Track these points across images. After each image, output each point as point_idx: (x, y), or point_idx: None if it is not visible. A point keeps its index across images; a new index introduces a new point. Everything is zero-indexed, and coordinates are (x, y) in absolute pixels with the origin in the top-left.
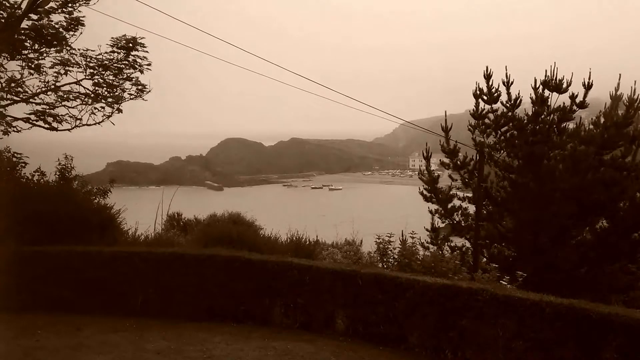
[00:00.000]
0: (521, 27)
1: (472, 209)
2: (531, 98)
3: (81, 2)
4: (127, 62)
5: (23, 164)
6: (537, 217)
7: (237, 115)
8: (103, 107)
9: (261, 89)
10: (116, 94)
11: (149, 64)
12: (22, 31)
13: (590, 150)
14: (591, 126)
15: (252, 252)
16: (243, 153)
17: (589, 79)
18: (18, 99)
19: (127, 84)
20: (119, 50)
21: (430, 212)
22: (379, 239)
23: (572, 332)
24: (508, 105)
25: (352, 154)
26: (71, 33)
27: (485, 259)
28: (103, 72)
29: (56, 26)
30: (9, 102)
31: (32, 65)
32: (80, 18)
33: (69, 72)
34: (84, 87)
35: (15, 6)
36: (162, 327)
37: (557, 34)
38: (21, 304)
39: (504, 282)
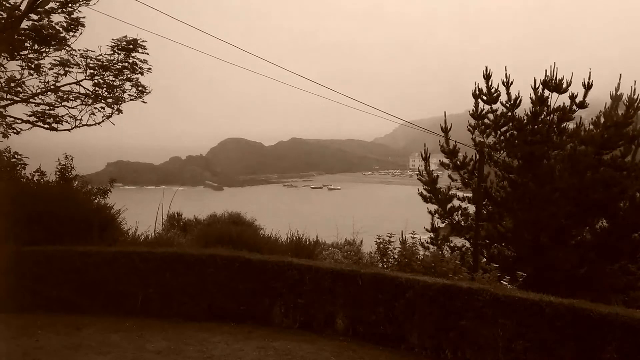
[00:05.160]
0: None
1: (472, 209)
2: (531, 98)
3: (81, 2)
4: (127, 64)
5: (23, 164)
6: (537, 217)
7: (237, 115)
8: (103, 108)
9: (261, 89)
10: (116, 94)
11: (150, 69)
12: (22, 31)
13: (590, 150)
14: (591, 126)
15: (252, 252)
16: (243, 153)
17: (589, 79)
18: (18, 99)
19: (127, 85)
20: (120, 52)
21: (430, 212)
22: (379, 239)
23: (572, 332)
24: (508, 105)
25: (352, 154)
26: (71, 34)
27: (485, 259)
28: (103, 73)
29: (56, 27)
30: (8, 102)
31: (32, 66)
32: (80, 18)
33: (69, 73)
34: (84, 88)
35: (15, 6)
36: (162, 327)
37: (558, 34)
38: (21, 304)
39: (504, 282)
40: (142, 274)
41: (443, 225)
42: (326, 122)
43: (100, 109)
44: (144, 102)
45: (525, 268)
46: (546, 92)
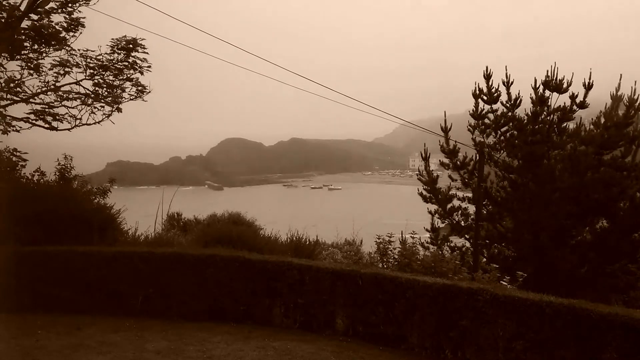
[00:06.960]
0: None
1: (472, 209)
2: (531, 98)
3: (81, 2)
4: (127, 63)
5: (23, 164)
6: (537, 217)
7: (237, 116)
8: (103, 107)
9: (261, 88)
10: (116, 94)
11: (149, 66)
12: (22, 31)
13: (590, 150)
14: (591, 126)
15: (252, 252)
16: (243, 153)
17: (590, 79)
18: (18, 99)
19: (127, 85)
20: (119, 51)
21: (430, 212)
22: (379, 239)
23: (572, 332)
24: (508, 105)
25: (352, 154)
26: (71, 34)
27: (485, 259)
28: (103, 73)
29: (56, 26)
30: (8, 102)
31: (32, 65)
32: (80, 19)
33: (68, 73)
34: (84, 88)
35: (15, 6)
36: (162, 327)
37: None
38: (21, 304)
39: (504, 282)
40: (142, 274)
41: (443, 225)
42: (326, 122)
43: (100, 108)
44: (145, 101)
45: (525, 268)
46: (546, 92)
